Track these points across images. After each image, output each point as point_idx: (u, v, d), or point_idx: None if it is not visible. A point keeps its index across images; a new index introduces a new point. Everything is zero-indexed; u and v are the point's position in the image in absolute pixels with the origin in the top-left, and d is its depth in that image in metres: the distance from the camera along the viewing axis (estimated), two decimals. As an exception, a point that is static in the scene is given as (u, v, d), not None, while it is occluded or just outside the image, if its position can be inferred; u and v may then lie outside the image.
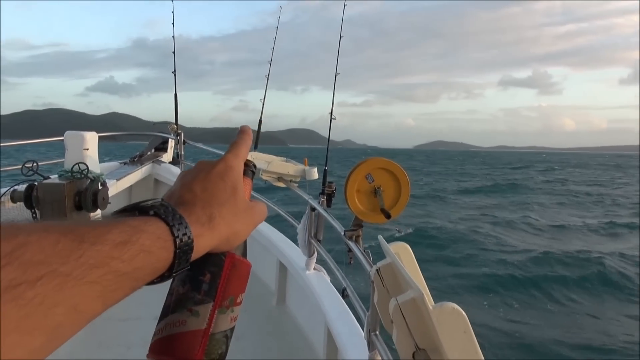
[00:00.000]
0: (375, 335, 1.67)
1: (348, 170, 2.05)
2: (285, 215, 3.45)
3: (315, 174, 3.23)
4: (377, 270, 1.40)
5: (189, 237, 0.43)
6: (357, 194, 2.05)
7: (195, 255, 0.45)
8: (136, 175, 5.13)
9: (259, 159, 3.55)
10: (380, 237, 1.56)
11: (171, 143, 5.95)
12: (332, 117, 3.18)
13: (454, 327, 1.16)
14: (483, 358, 1.19)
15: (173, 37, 5.77)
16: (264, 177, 3.38)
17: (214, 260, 0.50)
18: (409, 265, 1.53)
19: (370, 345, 1.68)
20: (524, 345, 6.42)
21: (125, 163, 5.51)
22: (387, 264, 1.41)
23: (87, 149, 3.30)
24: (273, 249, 3.44)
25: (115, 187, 4.34)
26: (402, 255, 1.53)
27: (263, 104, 4.26)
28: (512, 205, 22.04)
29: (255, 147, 4.09)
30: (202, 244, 0.46)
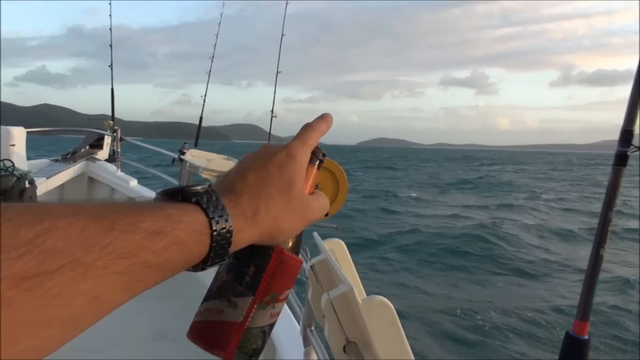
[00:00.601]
0: (311, 330, 1.69)
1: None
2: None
3: (256, 172, 3.21)
4: (311, 266, 1.42)
5: (227, 232, 0.41)
6: (295, 192, 2.07)
7: (233, 249, 0.43)
8: (68, 173, 4.90)
9: (198, 157, 3.50)
10: (315, 234, 1.58)
11: (107, 140, 5.72)
12: (273, 115, 3.18)
13: (382, 320, 1.20)
14: (409, 348, 1.24)
15: (110, 29, 5.56)
16: (204, 175, 3.33)
17: (261, 253, 0.48)
18: (342, 261, 1.57)
19: (306, 341, 1.69)
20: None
21: (56, 160, 5.25)
22: (320, 260, 1.43)
23: (14, 145, 3.13)
24: None
25: (45, 186, 4.12)
26: (337, 251, 1.57)
27: (204, 101, 4.20)
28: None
29: (196, 144, 4.02)
30: (242, 239, 0.43)
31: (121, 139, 5.51)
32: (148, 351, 2.61)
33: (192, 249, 0.39)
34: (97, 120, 6.31)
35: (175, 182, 4.05)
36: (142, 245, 0.35)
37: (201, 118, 4.22)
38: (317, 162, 0.54)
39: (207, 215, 0.40)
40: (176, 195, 0.41)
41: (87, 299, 0.32)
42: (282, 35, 3.26)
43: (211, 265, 0.41)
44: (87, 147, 5.62)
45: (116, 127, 5.45)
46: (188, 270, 0.41)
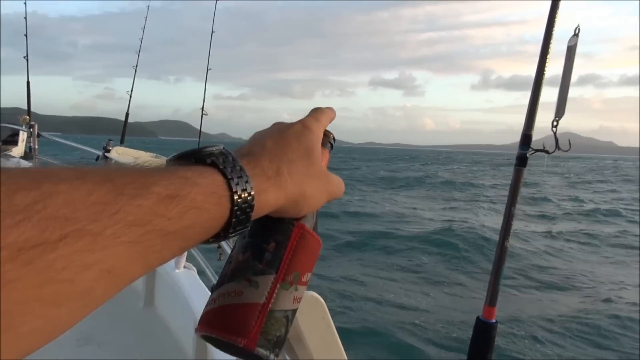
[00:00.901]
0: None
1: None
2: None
3: (186, 170, 3.15)
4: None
5: (249, 194, 0.37)
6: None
7: (258, 213, 0.39)
8: (-22, 171, 4.52)
9: (125, 154, 3.38)
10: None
11: (22, 136, 5.36)
12: (204, 112, 3.13)
13: (314, 314, 1.25)
14: (339, 343, 1.29)
15: (25, 17, 5.19)
16: (131, 173, 3.21)
17: (280, 227, 0.44)
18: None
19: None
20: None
21: (-36, 157, 4.84)
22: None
23: None
24: None
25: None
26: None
27: (130, 96, 4.04)
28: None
29: (122, 142, 3.87)
30: (266, 201, 0.40)
31: (38, 135, 5.18)
32: (71, 358, 2.49)
33: (212, 213, 0.35)
34: (9, 113, 5.87)
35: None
36: (155, 211, 0.31)
37: (127, 114, 4.07)
38: (329, 146, 0.53)
39: (224, 176, 0.37)
40: (189, 158, 0.38)
41: (97, 272, 0.28)
42: (212, 32, 3.22)
43: (233, 233, 0.38)
44: (0, 144, 5.23)
45: (33, 122, 5.11)
46: (209, 241, 0.38)
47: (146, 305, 3.24)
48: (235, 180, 0.37)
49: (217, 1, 3.15)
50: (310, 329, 1.27)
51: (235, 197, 0.36)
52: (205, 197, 0.35)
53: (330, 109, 0.54)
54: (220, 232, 0.37)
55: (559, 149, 0.95)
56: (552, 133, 1.04)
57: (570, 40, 0.95)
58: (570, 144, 0.94)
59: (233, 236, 0.38)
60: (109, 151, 3.60)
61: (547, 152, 0.95)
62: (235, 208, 0.37)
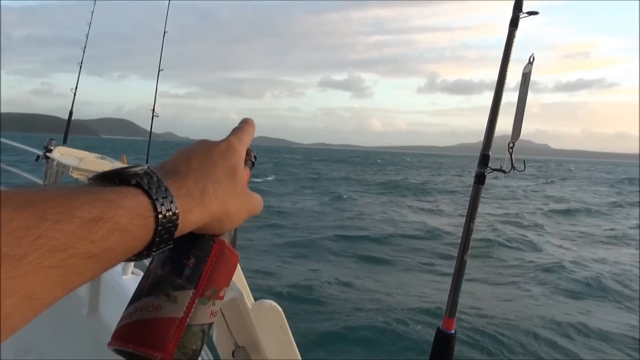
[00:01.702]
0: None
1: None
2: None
3: (134, 172, 3.05)
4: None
5: (173, 213, 0.38)
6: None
7: (181, 231, 0.40)
8: None
9: (68, 155, 3.23)
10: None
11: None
12: (155, 114, 3.05)
13: (271, 323, 1.25)
14: (297, 350, 1.29)
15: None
16: (75, 175, 3.09)
17: (201, 244, 0.45)
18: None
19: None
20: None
21: None
22: (208, 266, 1.43)
23: None
24: None
25: None
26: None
27: (75, 94, 3.87)
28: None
29: (64, 142, 3.70)
30: (190, 220, 0.41)
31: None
32: None
33: (136, 234, 0.36)
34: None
35: (40, 181, 3.67)
36: (79, 235, 0.32)
37: (71, 112, 3.89)
38: (250, 164, 0.55)
39: (149, 196, 0.37)
40: (112, 179, 0.38)
41: (18, 298, 0.28)
42: (165, 32, 3.14)
43: (156, 251, 0.39)
44: None
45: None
46: (130, 259, 0.38)
47: (90, 312, 3.11)
48: (160, 200, 0.37)
49: (170, 1, 3.09)
50: (268, 338, 1.27)
51: (160, 217, 0.37)
52: (130, 219, 0.35)
53: (251, 125, 0.55)
54: (143, 251, 0.38)
55: (515, 169, 1.02)
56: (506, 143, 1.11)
57: (525, 68, 1.01)
58: (525, 165, 1.00)
59: (155, 254, 0.39)
60: (50, 151, 3.42)
61: (504, 171, 1.02)
62: (160, 228, 0.37)
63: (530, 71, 1.00)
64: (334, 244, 12.30)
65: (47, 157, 3.50)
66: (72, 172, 3.09)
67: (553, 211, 21.33)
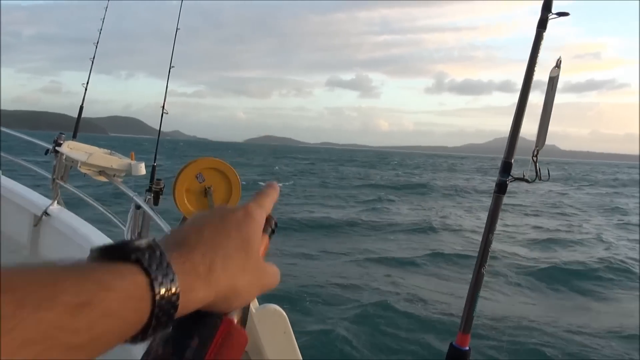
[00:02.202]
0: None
1: (179, 165, 1.99)
2: (108, 214, 3.18)
3: (142, 169, 3.04)
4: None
5: (173, 294, 0.35)
6: (186, 194, 2.00)
7: (182, 312, 0.37)
8: None
9: (78, 149, 3.22)
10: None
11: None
12: (164, 111, 3.03)
13: (275, 328, 1.22)
14: (300, 356, 1.26)
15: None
16: (83, 169, 3.07)
17: (206, 322, 0.41)
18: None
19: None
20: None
21: None
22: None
23: None
24: (90, 248, 3.14)
25: None
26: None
27: (86, 89, 3.87)
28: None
29: (74, 136, 3.70)
30: (193, 299, 0.37)
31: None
32: None
33: (128, 319, 0.33)
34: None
35: (48, 174, 3.67)
36: (60, 325, 0.28)
37: (82, 107, 3.88)
38: (270, 231, 0.51)
39: (148, 274, 0.34)
40: (113, 252, 0.35)
41: None
42: (177, 29, 3.13)
43: (152, 335, 0.35)
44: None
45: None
46: (126, 342, 0.35)
47: None
48: (160, 279, 0.34)
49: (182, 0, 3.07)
50: (271, 343, 1.24)
51: (157, 297, 0.34)
52: (122, 303, 0.32)
53: (275, 190, 0.52)
54: (137, 335, 0.35)
55: (540, 179, 0.97)
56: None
57: (552, 72, 0.96)
58: (549, 174, 0.95)
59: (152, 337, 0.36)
60: (60, 145, 3.42)
61: (527, 181, 0.97)
62: (157, 310, 0.34)
63: (557, 75, 0.94)
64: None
65: (56, 152, 3.49)
66: (80, 166, 3.08)
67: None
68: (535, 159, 0.97)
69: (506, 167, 0.97)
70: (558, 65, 0.92)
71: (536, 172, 0.97)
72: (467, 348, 0.96)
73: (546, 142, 0.96)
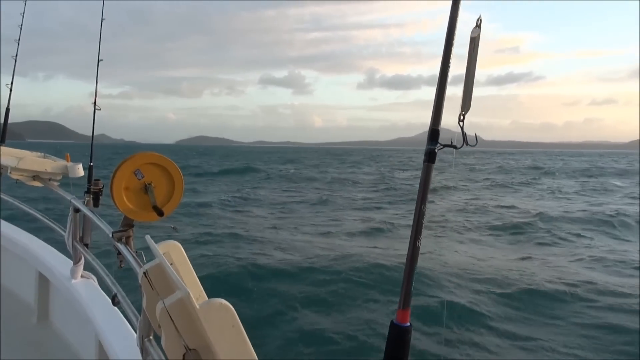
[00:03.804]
0: (149, 340, 1.59)
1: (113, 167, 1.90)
2: (44, 219, 3.01)
3: (80, 170, 2.89)
4: (144, 272, 1.33)
5: None
6: (125, 192, 1.91)
7: None
8: None
9: (6, 154, 3.02)
10: (147, 237, 1.47)
11: None
12: (97, 107, 2.88)
13: (222, 323, 1.17)
14: (252, 349, 1.22)
15: None
16: (14, 175, 2.89)
17: None
18: (180, 264, 1.49)
19: (144, 352, 1.58)
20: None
21: None
22: (154, 265, 1.34)
23: None
24: (31, 258, 2.98)
25: None
26: (173, 254, 1.48)
27: (10, 90, 3.63)
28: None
29: (2, 141, 3.47)
30: None
31: None
32: None
33: None
34: None
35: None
36: None
37: (7, 110, 3.65)
38: None
39: None
40: None
41: None
42: (102, 19, 2.96)
43: None
44: None
45: None
46: None
47: (40, 320, 2.95)
48: None
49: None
50: (220, 339, 1.19)
51: None
52: None
53: None
54: None
55: (467, 144, 0.97)
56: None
57: (473, 32, 0.95)
58: (477, 139, 0.95)
59: None
60: (-14, 152, 3.20)
61: (455, 147, 0.96)
62: None
63: (478, 35, 0.94)
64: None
65: (-16, 159, 3.27)
66: (10, 172, 2.89)
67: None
68: (461, 124, 0.97)
69: (434, 135, 0.96)
70: (478, 25, 0.92)
71: (463, 138, 0.98)
72: (409, 324, 0.95)
73: (470, 133, 0.97)
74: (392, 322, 0.99)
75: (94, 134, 2.83)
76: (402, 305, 0.94)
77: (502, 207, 19.92)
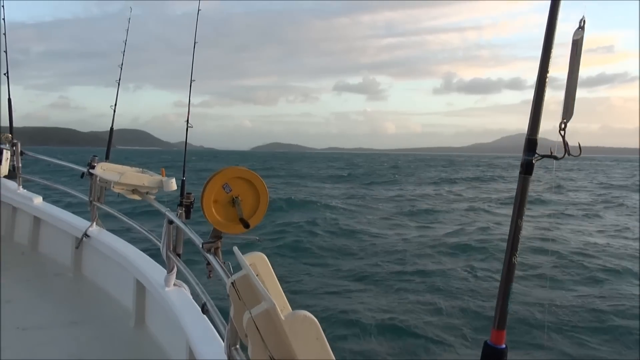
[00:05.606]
0: (236, 349, 1.64)
1: (194, 178, 1.99)
2: (142, 230, 3.24)
3: (173, 184, 3.08)
4: (232, 283, 1.37)
5: None
6: (214, 205, 1.99)
7: None
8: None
9: (110, 170, 3.29)
10: (235, 249, 1.52)
11: (6, 154, 5.22)
12: (189, 124, 3.06)
13: (307, 335, 1.17)
14: (335, 362, 1.21)
15: (4, 33, 5.06)
16: (116, 189, 3.14)
17: None
18: (265, 275, 1.52)
19: (231, 360, 1.63)
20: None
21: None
22: (242, 276, 1.38)
23: None
24: (129, 266, 3.20)
25: None
26: (259, 265, 1.52)
27: (114, 111, 3.96)
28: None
29: (107, 157, 3.79)
30: None
31: (22, 153, 5.06)
32: None
33: None
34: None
35: (85, 197, 3.77)
36: None
37: (112, 129, 3.98)
38: None
39: None
40: None
41: None
42: (195, 42, 3.15)
43: None
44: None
45: (15, 140, 5.00)
46: None
47: (137, 324, 3.16)
48: None
49: (200, 9, 3.09)
50: (305, 351, 1.20)
51: None
52: None
53: None
54: None
55: (569, 154, 0.89)
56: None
57: (575, 34, 0.89)
58: (580, 148, 0.88)
59: None
60: (93, 167, 3.51)
61: (556, 157, 0.89)
62: None
63: (582, 37, 0.86)
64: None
65: (91, 174, 3.58)
66: (113, 187, 3.14)
67: None
68: (562, 132, 0.90)
69: (531, 145, 0.90)
70: (582, 26, 0.85)
71: (565, 148, 0.90)
72: (504, 346, 0.89)
73: (555, 140, 0.89)
74: (485, 342, 0.93)
75: (176, 142, 3.03)
76: (496, 326, 0.88)
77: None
